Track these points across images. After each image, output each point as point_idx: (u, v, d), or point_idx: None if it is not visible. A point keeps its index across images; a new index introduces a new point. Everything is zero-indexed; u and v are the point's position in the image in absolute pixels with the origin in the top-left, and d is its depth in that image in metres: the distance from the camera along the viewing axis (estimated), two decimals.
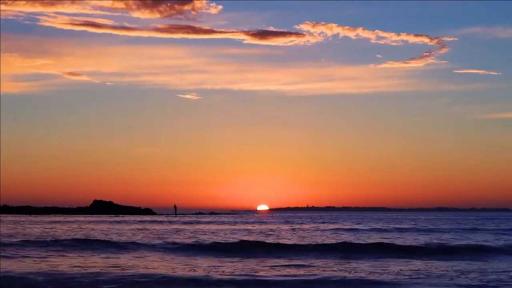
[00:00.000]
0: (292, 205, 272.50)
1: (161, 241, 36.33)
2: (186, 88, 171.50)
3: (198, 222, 77.79)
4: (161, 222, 79.20)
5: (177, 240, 37.63)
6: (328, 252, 30.53)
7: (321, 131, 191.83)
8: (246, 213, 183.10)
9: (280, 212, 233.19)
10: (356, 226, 62.57)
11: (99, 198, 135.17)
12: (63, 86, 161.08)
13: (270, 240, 38.46)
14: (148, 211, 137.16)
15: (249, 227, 62.09)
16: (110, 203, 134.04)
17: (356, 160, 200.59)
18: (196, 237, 41.45)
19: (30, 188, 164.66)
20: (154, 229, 55.55)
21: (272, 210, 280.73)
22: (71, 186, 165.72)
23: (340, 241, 36.57)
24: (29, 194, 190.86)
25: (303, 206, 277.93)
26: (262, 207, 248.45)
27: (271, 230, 54.45)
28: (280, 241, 37.03)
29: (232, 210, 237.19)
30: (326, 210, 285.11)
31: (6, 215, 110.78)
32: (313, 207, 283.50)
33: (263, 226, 63.15)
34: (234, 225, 68.95)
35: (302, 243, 35.70)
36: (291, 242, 36.78)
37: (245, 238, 39.92)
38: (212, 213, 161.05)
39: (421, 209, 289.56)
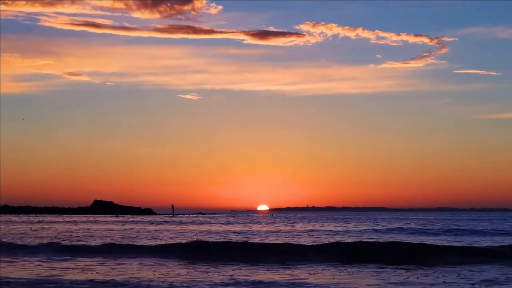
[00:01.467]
0: (292, 205, 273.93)
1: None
2: (186, 88, 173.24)
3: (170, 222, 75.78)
4: (132, 221, 77.35)
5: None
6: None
7: (321, 131, 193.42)
8: (246, 213, 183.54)
9: (280, 212, 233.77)
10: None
11: (99, 198, 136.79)
12: (63, 86, 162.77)
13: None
14: (148, 211, 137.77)
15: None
16: (111, 203, 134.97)
17: (356, 160, 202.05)
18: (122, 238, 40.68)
19: (30, 188, 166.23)
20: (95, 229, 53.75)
21: (272, 210, 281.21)
22: (71, 186, 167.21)
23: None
24: (29, 194, 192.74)
25: (303, 206, 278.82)
26: (262, 207, 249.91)
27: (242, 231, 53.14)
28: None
29: (232, 210, 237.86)
30: (326, 210, 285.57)
31: (6, 215, 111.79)
32: (313, 207, 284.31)
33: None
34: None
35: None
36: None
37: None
38: (212, 213, 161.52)
39: (421, 209, 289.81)
